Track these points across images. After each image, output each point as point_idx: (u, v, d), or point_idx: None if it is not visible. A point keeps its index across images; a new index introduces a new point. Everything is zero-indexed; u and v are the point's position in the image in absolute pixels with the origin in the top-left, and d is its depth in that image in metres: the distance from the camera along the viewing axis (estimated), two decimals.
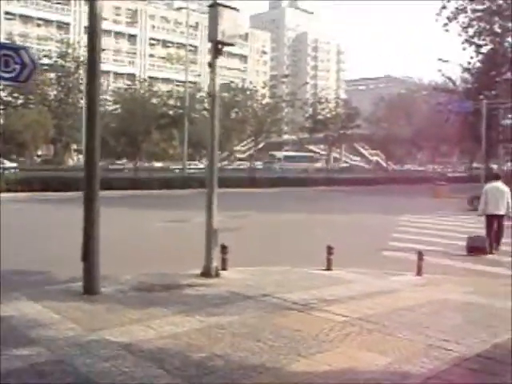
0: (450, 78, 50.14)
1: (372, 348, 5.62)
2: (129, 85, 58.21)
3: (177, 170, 53.57)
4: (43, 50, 66.41)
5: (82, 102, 46.34)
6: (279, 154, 78.08)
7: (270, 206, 28.26)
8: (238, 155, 73.01)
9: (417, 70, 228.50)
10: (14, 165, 50.07)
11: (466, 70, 46.80)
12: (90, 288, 7.72)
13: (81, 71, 59.86)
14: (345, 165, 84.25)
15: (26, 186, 29.90)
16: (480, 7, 43.83)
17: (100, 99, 8.24)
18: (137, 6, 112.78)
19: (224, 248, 9.58)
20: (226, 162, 68.40)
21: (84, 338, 5.82)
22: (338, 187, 44.42)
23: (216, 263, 9.16)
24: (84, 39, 10.27)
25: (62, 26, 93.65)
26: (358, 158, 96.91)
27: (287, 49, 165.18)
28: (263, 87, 63.08)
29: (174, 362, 5.17)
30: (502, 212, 13.90)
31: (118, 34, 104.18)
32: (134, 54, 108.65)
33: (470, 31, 44.35)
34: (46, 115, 55.07)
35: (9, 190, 28.15)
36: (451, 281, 9.80)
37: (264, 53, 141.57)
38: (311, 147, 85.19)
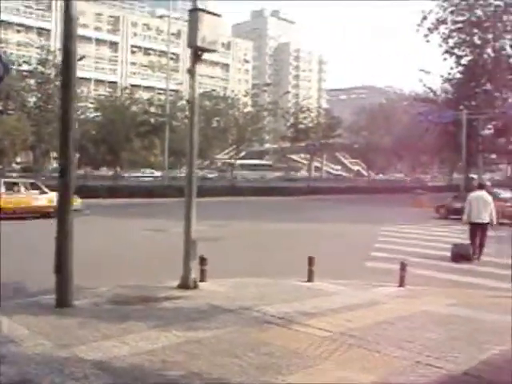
0: (430, 89, 50.37)
1: (355, 365, 5.41)
2: (110, 92, 57.81)
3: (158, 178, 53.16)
4: (23, 56, 65.72)
5: None
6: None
7: (250, 215, 28.08)
8: (220, 164, 72.90)
9: (398, 80, 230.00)
10: None
11: (447, 80, 47.07)
12: (62, 301, 7.42)
13: None
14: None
15: None
16: (460, 19, 44.13)
17: (75, 103, 7.97)
18: (119, 13, 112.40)
19: (203, 259, 9.34)
20: (207, 171, 68.20)
21: (54, 354, 5.54)
22: (319, 196, 44.41)
23: (194, 275, 8.91)
24: None
25: (43, 32, 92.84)
26: (339, 167, 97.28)
27: (269, 58, 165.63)
28: (245, 96, 63.03)
29: (148, 380, 4.93)
30: (485, 221, 14.20)
31: (100, 41, 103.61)
32: (116, 61, 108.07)
33: (451, 42, 44.66)
34: (25, 122, 54.30)
35: None
36: (434, 292, 9.65)
37: (246, 61, 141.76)
38: (293, 156, 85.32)
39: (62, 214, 7.52)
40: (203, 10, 8.60)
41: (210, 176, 63.92)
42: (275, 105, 67.02)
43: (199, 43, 8.53)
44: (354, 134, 73.48)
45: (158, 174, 57.18)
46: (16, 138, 52.60)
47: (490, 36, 43.85)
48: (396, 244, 16.62)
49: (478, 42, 44.20)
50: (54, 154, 65.89)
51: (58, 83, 61.05)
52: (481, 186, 15.36)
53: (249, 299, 8.22)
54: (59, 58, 62.84)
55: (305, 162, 77.45)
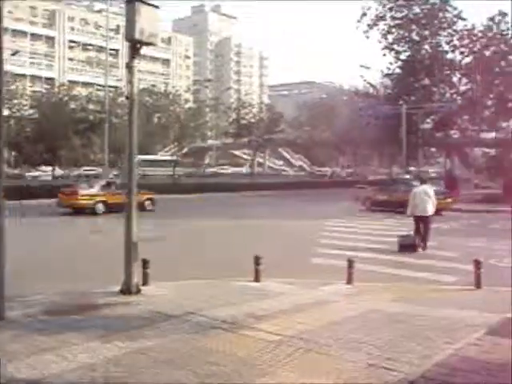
0: (370, 84, 51.10)
1: (308, 371, 5.19)
2: (47, 88, 56.06)
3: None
4: None
5: None
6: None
7: (194, 212, 27.66)
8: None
9: (338, 76, 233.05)
10: None
11: (386, 75, 47.84)
12: None
13: None
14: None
15: None
16: (399, 15, 44.89)
17: (3, 99, 7.42)
18: (54, 7, 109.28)
19: (145, 262, 8.93)
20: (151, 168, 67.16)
21: None
22: (263, 192, 44.30)
23: (137, 279, 8.50)
24: None
25: None
26: (282, 163, 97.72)
27: (210, 53, 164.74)
28: (186, 91, 62.38)
29: None
30: (428, 213, 14.97)
31: (35, 36, 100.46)
32: (53, 56, 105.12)
33: (390, 38, 45.37)
34: None
35: None
36: (382, 288, 9.57)
37: (187, 57, 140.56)
38: (236, 152, 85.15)
39: None
40: (141, 1, 8.20)
41: (151, 173, 62.82)
42: (217, 100, 66.68)
43: (137, 36, 8.12)
44: (297, 129, 73.99)
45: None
46: None
47: (427, 33, 44.79)
48: (339, 239, 16.60)
49: (416, 38, 45.08)
50: None
51: None
52: (423, 181, 16.09)
53: (194, 303, 7.89)
54: None
55: (248, 157, 77.34)
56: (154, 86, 66.31)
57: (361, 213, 27.62)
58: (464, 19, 44.62)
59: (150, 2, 8.40)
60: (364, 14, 45.03)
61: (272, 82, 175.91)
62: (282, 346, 5.89)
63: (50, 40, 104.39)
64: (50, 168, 47.67)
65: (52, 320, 6.97)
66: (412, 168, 54.20)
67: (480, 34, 44.63)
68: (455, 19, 44.73)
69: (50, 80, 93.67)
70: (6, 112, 37.40)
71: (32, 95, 51.51)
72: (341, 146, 73.14)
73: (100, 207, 25.19)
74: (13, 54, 51.88)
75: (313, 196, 40.79)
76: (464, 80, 45.95)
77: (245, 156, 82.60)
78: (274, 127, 56.78)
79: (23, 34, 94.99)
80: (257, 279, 9.55)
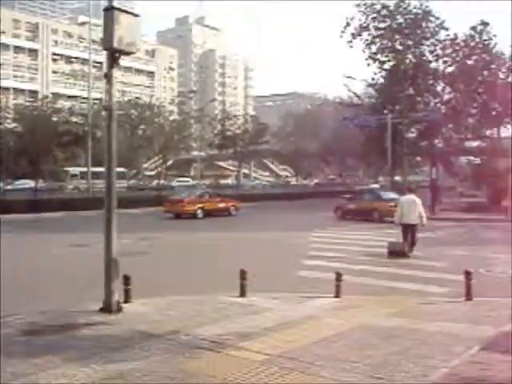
0: (355, 94, 51.09)
1: None
2: (30, 101, 55.49)
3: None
4: None
5: None
6: (74, 170, 56.80)
7: (178, 225, 27.32)
8: (147, 173, 71.54)
9: (323, 86, 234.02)
10: None
11: (371, 85, 47.78)
12: None
13: None
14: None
15: None
16: (382, 25, 44.90)
17: None
18: (38, 20, 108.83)
19: (127, 278, 8.60)
20: (133, 181, 66.76)
21: None
22: (249, 203, 44.01)
23: (118, 296, 8.17)
24: None
25: None
26: (268, 173, 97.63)
27: (195, 65, 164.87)
28: (170, 103, 62.10)
29: None
30: (414, 221, 15.53)
31: (18, 49, 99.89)
32: (36, 69, 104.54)
33: (373, 48, 45.32)
34: None
35: None
36: (371, 302, 9.31)
37: (171, 69, 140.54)
38: (221, 163, 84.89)
39: None
40: (120, 9, 7.94)
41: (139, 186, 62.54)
42: (201, 112, 66.44)
43: (116, 45, 7.85)
44: (282, 139, 73.85)
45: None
46: None
47: (410, 42, 44.83)
48: (325, 250, 16.35)
49: (400, 47, 45.10)
50: None
51: None
52: (410, 190, 16.66)
53: (177, 321, 7.59)
54: None
55: (233, 168, 77.08)
56: (138, 98, 65.96)
57: (334, 221, 28.41)
58: (446, 29, 44.78)
59: (129, 10, 8.16)
60: (348, 24, 45.03)
61: (257, 93, 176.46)
62: (267, 366, 5.62)
63: (33, 53, 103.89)
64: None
65: (27, 341, 6.62)
66: (397, 177, 54.28)
67: (462, 44, 44.81)
68: (438, 29, 44.85)
69: (33, 93, 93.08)
70: None
71: (15, 108, 50.82)
72: (326, 157, 73.09)
73: (200, 213, 31.04)
74: None
75: (298, 207, 40.66)
76: (448, 89, 46.04)
77: (230, 167, 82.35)
78: (259, 138, 56.56)
79: (6, 46, 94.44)
80: (242, 294, 9.25)
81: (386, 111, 42.85)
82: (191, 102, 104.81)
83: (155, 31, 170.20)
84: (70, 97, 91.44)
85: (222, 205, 33.23)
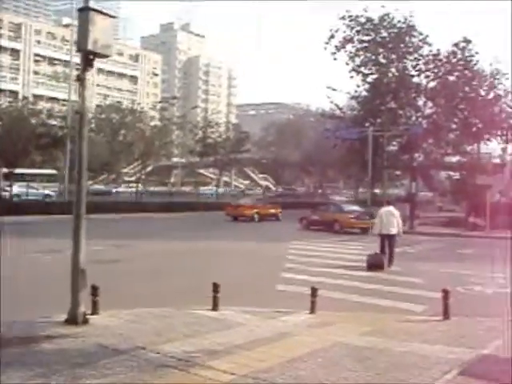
0: (337, 105, 51.10)
1: None
2: (10, 102, 54.69)
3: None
4: None
5: None
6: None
7: (155, 232, 26.91)
8: (127, 178, 70.91)
9: (305, 97, 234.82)
10: None
11: (353, 97, 47.89)
12: None
13: None
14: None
15: None
16: (366, 38, 45.07)
17: None
18: (21, 20, 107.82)
19: (95, 288, 8.26)
20: (114, 185, 66.14)
21: None
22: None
23: (84, 308, 7.83)
24: None
25: None
26: (248, 182, 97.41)
27: (178, 71, 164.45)
28: (152, 109, 61.73)
29: None
30: (393, 232, 16.13)
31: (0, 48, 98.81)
32: (17, 69, 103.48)
33: (357, 61, 45.45)
34: None
35: None
36: (347, 319, 9.08)
37: (155, 75, 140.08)
38: (201, 171, 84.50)
39: None
40: (95, 10, 7.67)
41: (115, 190, 61.77)
42: (183, 119, 66.15)
43: (90, 47, 7.56)
44: (263, 149, 73.82)
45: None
46: None
47: (393, 56, 45.03)
48: (302, 263, 16.15)
49: (383, 61, 45.27)
50: None
51: None
52: (389, 202, 17.45)
53: (145, 335, 7.28)
54: None
55: (214, 176, 76.79)
56: (119, 102, 65.48)
57: (302, 232, 29.20)
58: (430, 44, 45.05)
59: (105, 11, 7.88)
60: (332, 36, 45.12)
61: (240, 102, 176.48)
62: None
63: (15, 53, 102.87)
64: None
65: None
66: (376, 190, 54.34)
67: (445, 60, 45.10)
68: (421, 44, 45.11)
69: (13, 93, 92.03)
70: None
71: None
72: (307, 167, 73.12)
73: (256, 216, 35.83)
74: None
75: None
76: (429, 104, 46.25)
77: (211, 175, 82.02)
78: (241, 147, 56.46)
79: None
80: (215, 308, 8.97)
81: (367, 124, 42.95)
82: (173, 108, 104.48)
83: (139, 36, 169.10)
84: (51, 99, 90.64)
85: (272, 210, 38.13)
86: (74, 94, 46.76)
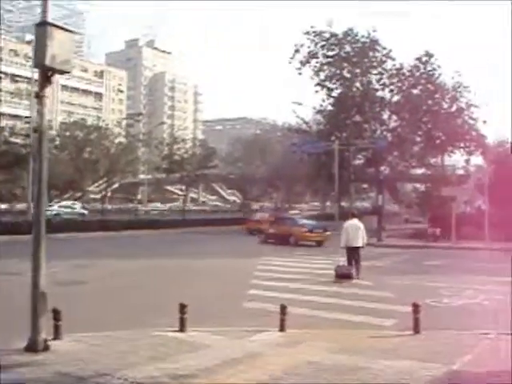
0: (303, 120, 51.43)
1: None
2: None
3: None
4: None
5: None
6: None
7: (119, 251, 26.37)
8: (92, 196, 69.99)
9: (272, 112, 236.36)
10: None
11: (319, 112, 48.27)
12: None
13: None
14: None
15: None
16: (330, 53, 45.57)
17: None
18: None
19: (56, 312, 7.93)
20: (77, 203, 65.13)
21: None
22: (195, 228, 43.55)
23: (45, 333, 7.50)
24: None
25: None
26: (215, 197, 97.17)
27: (144, 88, 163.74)
28: (117, 126, 61.17)
29: None
30: (358, 244, 16.59)
31: None
32: None
33: (322, 75, 45.90)
34: None
35: None
36: (317, 336, 8.90)
37: (120, 91, 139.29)
38: (168, 187, 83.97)
39: None
40: (54, 25, 7.44)
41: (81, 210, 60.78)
42: (149, 135, 65.75)
43: (48, 62, 7.32)
44: (230, 164, 73.71)
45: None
46: None
47: (358, 71, 45.56)
48: (269, 279, 15.99)
49: (348, 75, 45.77)
50: None
51: None
52: (354, 215, 17.60)
53: (110, 360, 7.00)
54: None
55: (181, 192, 76.33)
56: (83, 119, 64.72)
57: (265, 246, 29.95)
58: (393, 59, 45.75)
59: (64, 26, 7.66)
60: (297, 51, 45.50)
61: (206, 118, 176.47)
62: None
63: None
64: None
65: None
66: (344, 203, 54.57)
67: (408, 74, 45.83)
68: (384, 58, 45.79)
69: None
70: None
71: None
72: (274, 182, 73.23)
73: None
74: None
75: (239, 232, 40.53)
76: (394, 117, 46.88)
77: (178, 191, 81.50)
78: (208, 162, 56.22)
79: None
80: (182, 329, 8.72)
81: (333, 138, 43.25)
82: (139, 124, 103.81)
83: (104, 52, 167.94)
84: (14, 116, 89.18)
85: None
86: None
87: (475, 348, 7.86)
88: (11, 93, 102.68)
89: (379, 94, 46.40)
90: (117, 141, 53.38)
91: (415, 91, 45.93)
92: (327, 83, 46.04)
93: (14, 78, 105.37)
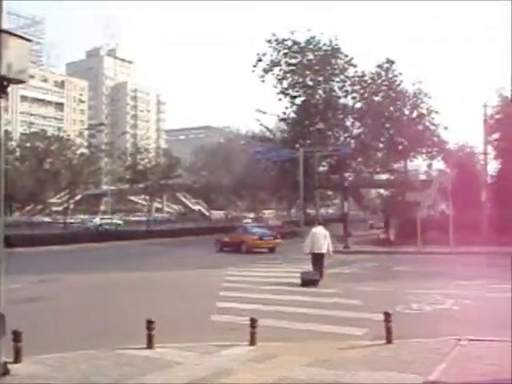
0: (267, 128, 51.45)
1: None
2: None
3: None
4: None
5: None
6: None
7: (83, 265, 25.79)
8: (54, 208, 68.61)
9: (235, 120, 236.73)
10: None
11: (282, 119, 48.38)
12: None
13: None
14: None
15: None
16: (293, 61, 45.79)
17: None
18: None
19: (17, 334, 7.56)
20: (39, 216, 63.84)
21: None
22: (159, 240, 43.11)
23: (5, 357, 7.13)
24: None
25: None
26: (179, 207, 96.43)
27: (105, 98, 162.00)
28: (78, 136, 60.18)
29: None
30: (323, 251, 17.13)
31: None
32: None
33: (285, 83, 46.10)
34: None
35: None
36: (289, 350, 8.69)
37: (81, 101, 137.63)
38: (132, 198, 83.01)
39: None
40: (9, 33, 7.12)
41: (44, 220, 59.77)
42: (112, 146, 64.89)
43: (4, 72, 6.99)
44: (194, 173, 73.19)
45: None
46: None
47: (320, 78, 45.88)
48: (237, 290, 15.76)
49: (310, 83, 46.03)
50: None
51: None
52: (319, 222, 18.25)
53: (73, 381, 6.68)
54: None
55: (145, 203, 75.48)
56: (43, 130, 63.50)
57: (214, 254, 31.26)
58: (355, 66, 46.23)
59: (20, 34, 7.35)
60: (259, 60, 45.63)
61: (169, 127, 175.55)
62: None
63: None
64: None
65: None
66: (309, 210, 54.73)
67: (370, 81, 46.32)
68: (346, 66, 46.22)
69: None
70: None
71: None
72: (239, 191, 73.04)
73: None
74: None
75: (205, 243, 40.20)
76: (357, 124, 47.32)
77: (142, 202, 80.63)
78: (171, 172, 55.72)
79: None
80: (150, 346, 8.42)
81: (297, 145, 43.37)
82: (102, 134, 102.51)
83: (65, 62, 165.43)
84: None
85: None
86: None
87: (448, 356, 7.76)
88: None
89: (342, 101, 46.84)
90: (79, 151, 52.49)
91: (377, 98, 46.45)
92: (290, 91, 46.24)
93: None
